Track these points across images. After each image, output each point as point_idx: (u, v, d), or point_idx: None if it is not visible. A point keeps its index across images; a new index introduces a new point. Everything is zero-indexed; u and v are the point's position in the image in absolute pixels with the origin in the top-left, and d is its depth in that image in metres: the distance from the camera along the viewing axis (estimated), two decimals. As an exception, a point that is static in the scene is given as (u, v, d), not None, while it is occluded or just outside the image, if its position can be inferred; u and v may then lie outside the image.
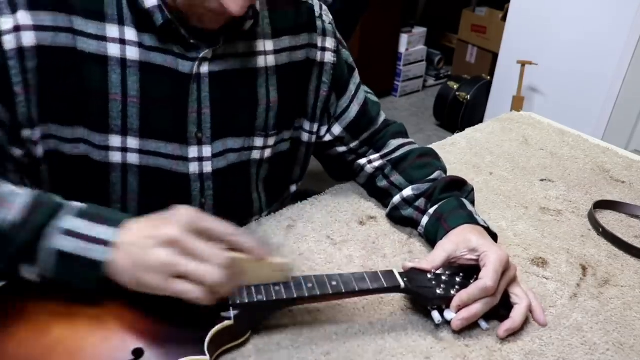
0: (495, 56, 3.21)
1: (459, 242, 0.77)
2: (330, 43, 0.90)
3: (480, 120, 3.03)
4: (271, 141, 0.89)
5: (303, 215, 0.92)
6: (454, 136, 1.24)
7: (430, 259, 0.75)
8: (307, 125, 0.94)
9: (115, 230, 0.60)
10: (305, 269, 0.79)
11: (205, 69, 0.78)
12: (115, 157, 0.76)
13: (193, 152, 0.80)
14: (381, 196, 0.95)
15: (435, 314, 0.70)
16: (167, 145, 0.78)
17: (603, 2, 2.45)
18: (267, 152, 0.89)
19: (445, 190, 0.87)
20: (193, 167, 0.81)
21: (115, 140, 0.75)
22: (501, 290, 0.72)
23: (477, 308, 0.70)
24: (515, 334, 0.71)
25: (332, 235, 0.87)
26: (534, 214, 0.97)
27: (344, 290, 0.66)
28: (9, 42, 0.66)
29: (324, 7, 0.92)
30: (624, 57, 2.45)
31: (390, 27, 3.51)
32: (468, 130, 1.27)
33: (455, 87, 3.27)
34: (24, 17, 0.67)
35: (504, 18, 3.08)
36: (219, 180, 0.84)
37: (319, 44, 0.89)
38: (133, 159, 0.77)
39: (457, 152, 1.16)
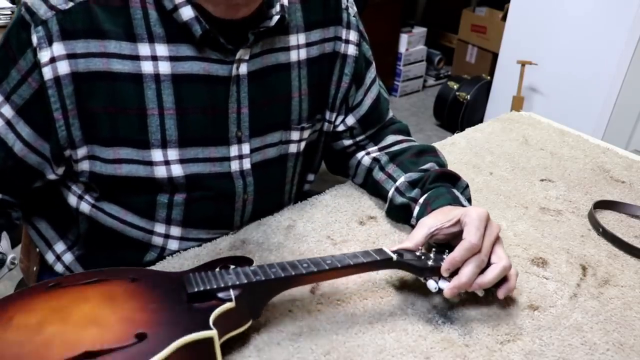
0: (495, 56, 3.21)
1: (439, 215, 0.78)
2: (353, 36, 0.93)
3: (480, 120, 3.03)
4: (306, 134, 0.92)
5: (303, 215, 0.92)
6: (454, 136, 1.24)
7: (412, 237, 0.76)
8: (327, 115, 0.96)
9: None
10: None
11: (244, 69, 0.80)
12: (160, 171, 0.78)
13: (234, 150, 0.83)
14: (379, 190, 0.96)
15: (431, 283, 0.72)
16: (205, 150, 0.81)
17: (603, 2, 2.45)
18: (303, 145, 0.92)
19: (436, 180, 0.87)
20: (234, 166, 0.84)
21: (157, 155, 0.78)
22: (487, 248, 0.72)
23: (466, 273, 0.70)
24: (515, 334, 0.71)
25: (332, 235, 0.87)
26: (534, 214, 0.97)
27: (339, 265, 0.68)
28: (47, 72, 0.71)
29: None
30: (623, 57, 2.45)
31: (390, 27, 3.51)
32: (468, 130, 1.27)
33: (455, 87, 3.27)
34: (58, 48, 0.71)
35: (504, 18, 3.08)
36: (259, 175, 0.87)
37: (344, 37, 0.92)
38: (177, 170, 0.79)
39: (457, 152, 1.16)
